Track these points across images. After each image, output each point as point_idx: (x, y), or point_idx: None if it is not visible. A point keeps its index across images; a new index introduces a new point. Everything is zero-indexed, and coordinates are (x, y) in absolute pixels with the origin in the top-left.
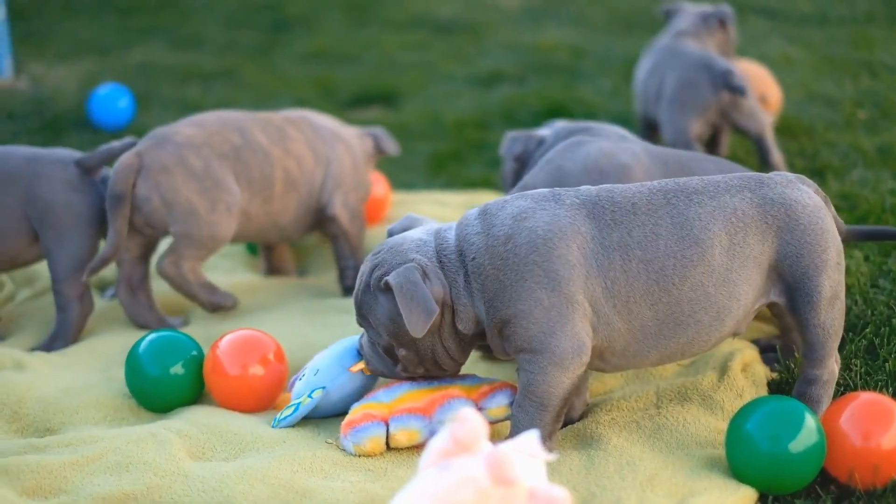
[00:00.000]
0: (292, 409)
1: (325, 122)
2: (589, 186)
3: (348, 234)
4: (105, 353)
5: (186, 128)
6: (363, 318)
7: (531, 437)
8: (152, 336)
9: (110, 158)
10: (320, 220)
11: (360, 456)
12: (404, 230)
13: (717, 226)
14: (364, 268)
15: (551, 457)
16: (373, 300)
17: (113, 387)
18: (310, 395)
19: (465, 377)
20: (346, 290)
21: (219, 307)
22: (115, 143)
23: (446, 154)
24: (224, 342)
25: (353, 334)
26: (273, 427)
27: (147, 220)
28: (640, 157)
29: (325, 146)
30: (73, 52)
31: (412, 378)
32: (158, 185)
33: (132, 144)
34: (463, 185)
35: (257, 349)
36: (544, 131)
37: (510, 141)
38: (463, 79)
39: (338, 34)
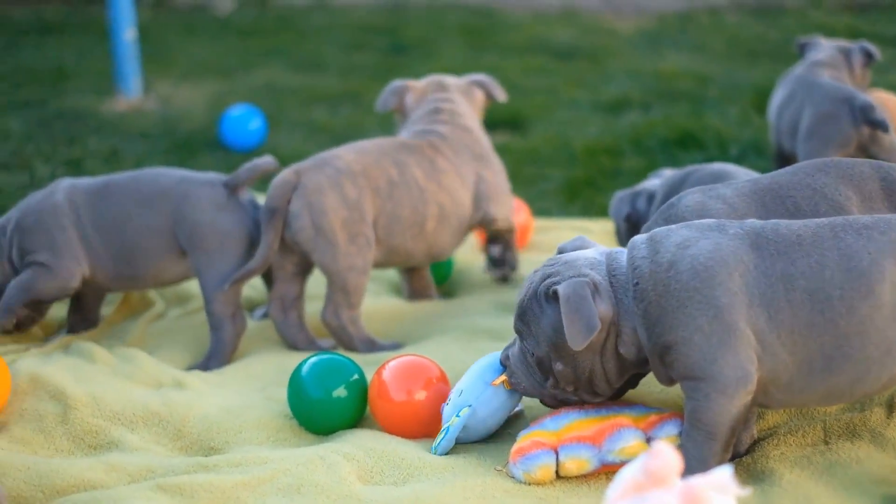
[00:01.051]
0: (443, 433)
1: (465, 140)
2: (754, 220)
3: (510, 229)
4: (261, 374)
5: (348, 153)
6: (525, 324)
7: (724, 472)
8: (315, 359)
9: (254, 176)
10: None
11: (529, 484)
12: (576, 249)
13: (888, 261)
14: (535, 276)
15: (744, 492)
16: (538, 308)
17: (273, 407)
18: (457, 415)
19: (632, 406)
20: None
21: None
22: (258, 161)
23: (580, 181)
24: (389, 367)
25: None
26: (433, 453)
27: (294, 238)
28: (731, 200)
29: (468, 166)
30: (196, 72)
31: (556, 397)
32: (311, 205)
33: (273, 163)
34: (599, 212)
35: (422, 375)
36: (652, 183)
37: (618, 202)
38: (588, 104)
39: (456, 58)
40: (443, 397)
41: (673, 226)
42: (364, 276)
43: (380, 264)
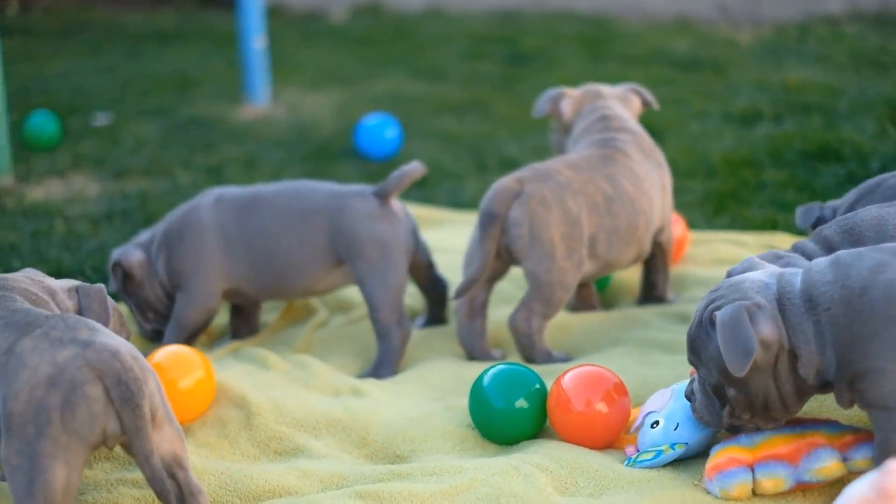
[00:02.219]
0: (653, 454)
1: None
2: None
3: (670, 241)
4: (438, 383)
5: (565, 169)
6: (695, 354)
7: None
8: (497, 369)
9: (404, 184)
10: None
11: (726, 500)
12: (744, 272)
13: None
14: (700, 304)
15: None
16: (705, 335)
17: (455, 417)
18: (672, 447)
19: (825, 423)
20: (656, 301)
21: None
22: (406, 168)
23: (723, 193)
24: (568, 377)
25: (685, 373)
26: (627, 466)
27: (508, 245)
28: None
29: (654, 173)
30: (320, 80)
31: (734, 427)
32: (533, 215)
33: (421, 168)
34: (745, 225)
35: (601, 385)
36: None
37: (804, 211)
38: (719, 116)
39: (576, 68)
40: (622, 409)
41: (861, 248)
42: (568, 294)
43: (587, 277)
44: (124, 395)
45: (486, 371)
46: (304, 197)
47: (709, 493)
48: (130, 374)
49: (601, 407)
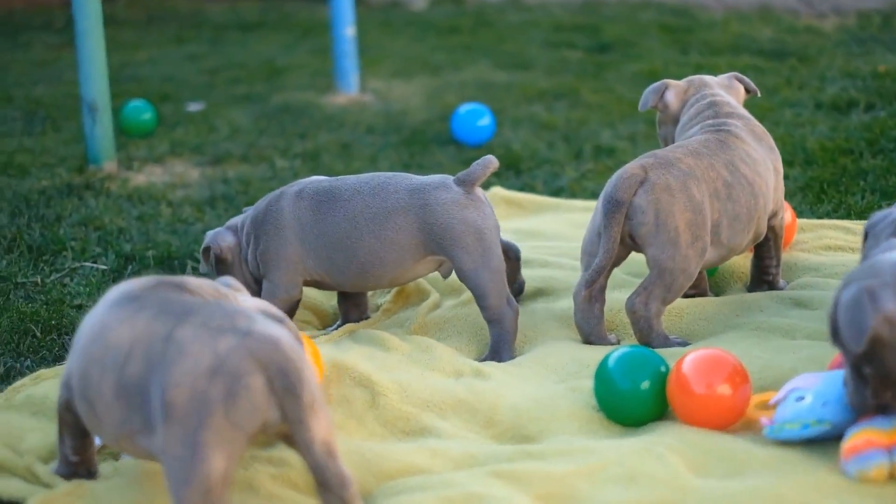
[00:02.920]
0: (799, 426)
1: (752, 126)
2: None
3: (782, 233)
4: (557, 366)
5: (685, 156)
6: (834, 335)
7: None
8: (622, 351)
9: (486, 174)
10: None
11: (863, 483)
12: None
13: None
14: (839, 284)
15: None
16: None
17: (579, 398)
18: (820, 421)
19: None
20: (768, 286)
21: None
22: (486, 158)
23: (824, 181)
24: (688, 361)
25: (808, 357)
26: (767, 436)
27: (632, 231)
28: None
29: (767, 157)
30: (405, 69)
31: (877, 409)
32: (658, 202)
33: (492, 161)
34: (848, 212)
35: (722, 368)
36: None
37: None
38: (811, 104)
39: (661, 57)
40: (743, 392)
41: None
42: (690, 282)
43: (710, 264)
44: (286, 386)
45: (610, 353)
46: (384, 196)
47: (845, 474)
48: (291, 363)
49: (722, 390)
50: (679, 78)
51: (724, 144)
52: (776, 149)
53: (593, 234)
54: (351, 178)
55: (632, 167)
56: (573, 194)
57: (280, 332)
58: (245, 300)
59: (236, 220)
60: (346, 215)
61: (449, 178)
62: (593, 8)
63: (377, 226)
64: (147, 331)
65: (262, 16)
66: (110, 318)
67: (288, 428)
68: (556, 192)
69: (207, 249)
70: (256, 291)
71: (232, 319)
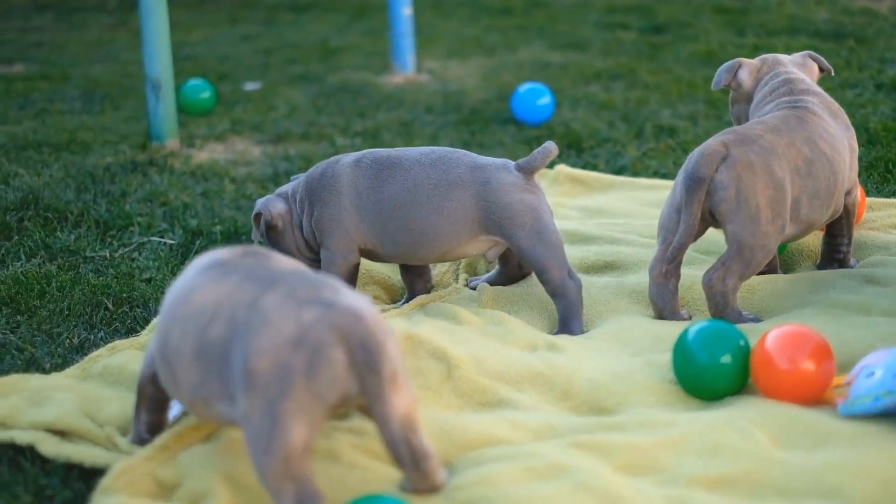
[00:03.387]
0: (871, 398)
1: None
2: None
3: (855, 211)
4: (631, 339)
5: (766, 133)
6: None
7: None
8: (700, 325)
9: (546, 161)
10: None
11: None
12: None
13: None
14: None
15: None
16: None
17: (656, 372)
18: (891, 392)
19: None
20: (839, 264)
21: None
22: (547, 146)
23: (889, 160)
24: (772, 336)
25: (886, 333)
26: (842, 413)
27: (713, 207)
28: None
29: (842, 134)
30: (459, 50)
31: None
32: (740, 179)
33: (552, 149)
34: None
35: (806, 344)
36: None
37: None
38: (871, 85)
39: (717, 38)
40: (827, 368)
41: None
42: (768, 259)
43: (788, 240)
44: (367, 360)
45: (689, 327)
46: (445, 169)
47: None
48: (373, 337)
49: (807, 365)
50: (735, 59)
51: (802, 121)
52: (851, 126)
53: (672, 210)
54: (411, 150)
55: (713, 143)
56: (636, 173)
57: (364, 304)
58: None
59: (287, 188)
60: (406, 184)
61: (510, 162)
62: None
63: (437, 197)
64: (232, 296)
65: None
66: (197, 281)
67: (366, 401)
68: (619, 171)
69: (259, 216)
70: (309, 259)
71: (317, 290)
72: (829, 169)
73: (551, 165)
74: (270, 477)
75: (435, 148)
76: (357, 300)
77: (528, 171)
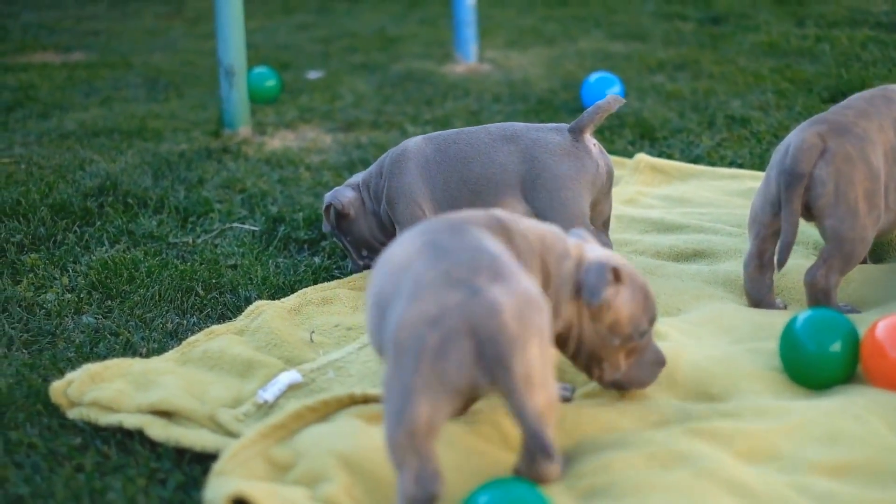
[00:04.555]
0: None
1: None
2: None
3: None
4: (732, 327)
5: (858, 119)
6: None
7: None
8: (809, 313)
9: (598, 118)
10: None
11: None
12: None
13: None
14: None
15: None
16: None
17: (761, 360)
18: None
19: None
20: None
21: None
22: (601, 102)
23: None
24: (882, 325)
25: None
26: None
27: (811, 203)
28: None
29: None
30: (518, 40)
31: None
32: (839, 172)
33: (616, 102)
34: None
35: None
36: None
37: None
38: None
39: (778, 29)
40: None
41: None
42: (866, 250)
43: (880, 232)
44: (496, 355)
45: (797, 316)
46: (504, 128)
47: None
48: (504, 334)
49: None
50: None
51: (889, 101)
52: None
53: (766, 203)
54: (479, 126)
55: (809, 136)
56: (711, 163)
57: (512, 297)
58: (593, 250)
59: (357, 177)
60: (469, 142)
61: (564, 126)
62: None
63: (493, 150)
64: (409, 259)
65: None
66: (405, 235)
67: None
68: (694, 161)
69: (329, 207)
70: (382, 242)
71: (474, 273)
72: None
73: (631, 155)
74: (395, 448)
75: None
76: (507, 292)
77: (577, 132)
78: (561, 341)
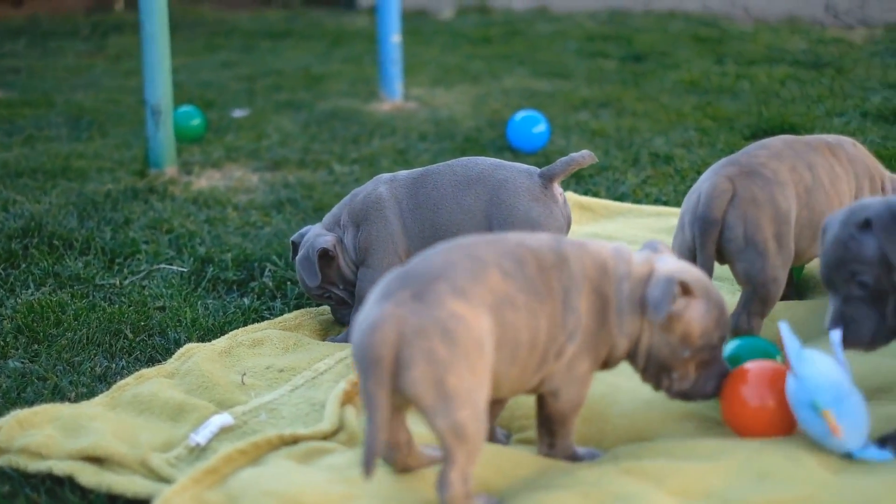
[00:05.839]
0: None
1: (852, 149)
2: None
3: None
4: None
5: (770, 160)
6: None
7: None
8: (737, 343)
9: (569, 170)
10: None
11: None
12: None
13: None
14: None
15: None
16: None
17: None
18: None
19: None
20: None
21: None
22: (575, 155)
23: None
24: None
25: None
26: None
27: (723, 247)
28: None
29: (856, 181)
30: (443, 77)
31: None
32: (746, 217)
33: (589, 157)
34: None
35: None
36: None
37: None
38: (856, 114)
39: (698, 67)
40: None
41: None
42: (781, 289)
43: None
44: (360, 370)
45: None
46: (469, 167)
47: None
48: (367, 353)
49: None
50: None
51: (809, 147)
52: (878, 177)
53: (682, 249)
54: (444, 162)
55: (720, 181)
56: (637, 200)
57: (396, 317)
58: (665, 264)
59: (313, 228)
60: (435, 184)
61: (535, 169)
62: (621, 18)
63: (459, 193)
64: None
65: (288, 24)
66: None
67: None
68: (620, 198)
69: (323, 252)
70: (344, 291)
71: (415, 293)
72: (826, 202)
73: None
74: None
75: (465, 157)
76: (387, 311)
77: (547, 178)
78: (630, 355)
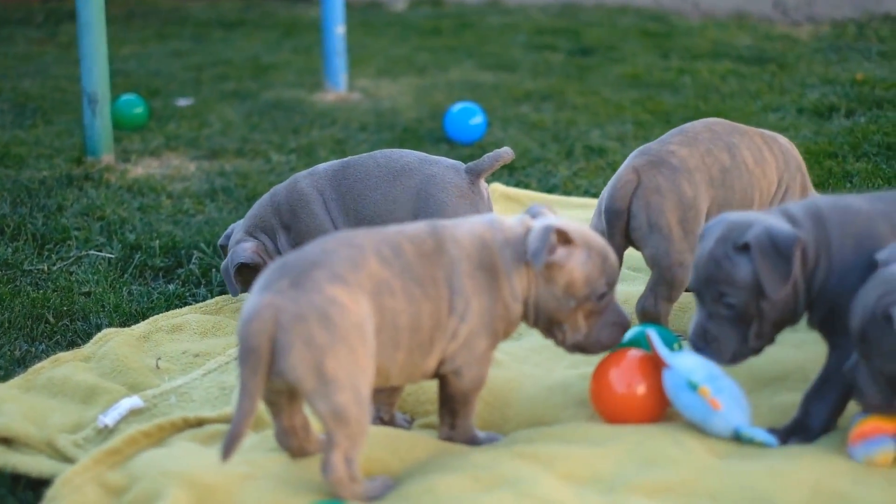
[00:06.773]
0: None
1: (787, 144)
2: None
3: None
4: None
5: (681, 148)
6: (867, 345)
7: None
8: (633, 332)
9: (496, 166)
10: None
11: (869, 466)
12: (891, 257)
13: None
14: (867, 298)
15: None
16: (879, 330)
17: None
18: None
19: None
20: None
21: None
22: (500, 151)
23: (812, 183)
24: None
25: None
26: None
27: (632, 235)
28: None
29: (787, 173)
30: (389, 69)
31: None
32: (649, 205)
33: (512, 154)
34: None
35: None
36: None
37: None
38: (792, 109)
39: (643, 61)
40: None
41: None
42: (687, 274)
43: None
44: (238, 358)
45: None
46: (395, 159)
47: (852, 458)
48: (243, 342)
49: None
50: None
51: (737, 130)
52: (802, 174)
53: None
54: (363, 154)
55: (625, 174)
56: (567, 192)
57: (271, 305)
58: (544, 221)
59: (239, 225)
60: (358, 176)
61: (462, 165)
62: (572, 12)
63: (384, 183)
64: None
65: (242, 14)
66: None
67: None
68: (550, 190)
69: (242, 266)
70: None
71: (293, 280)
72: (749, 182)
73: (487, 182)
74: None
75: (389, 149)
76: (274, 300)
77: (474, 174)
78: (523, 314)
